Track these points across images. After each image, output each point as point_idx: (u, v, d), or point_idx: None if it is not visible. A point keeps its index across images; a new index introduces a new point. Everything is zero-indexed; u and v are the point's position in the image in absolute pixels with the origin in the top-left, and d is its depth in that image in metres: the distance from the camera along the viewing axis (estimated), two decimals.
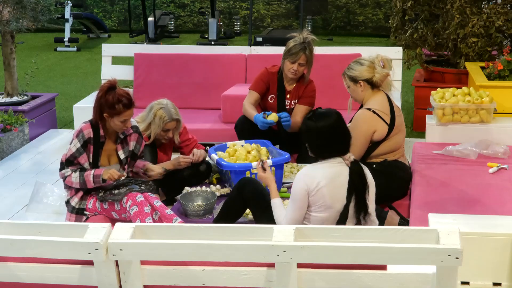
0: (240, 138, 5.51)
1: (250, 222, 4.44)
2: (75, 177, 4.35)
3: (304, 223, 3.77)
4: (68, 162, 4.37)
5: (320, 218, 3.71)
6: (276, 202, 3.94)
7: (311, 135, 3.74)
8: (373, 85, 4.64)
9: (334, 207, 3.69)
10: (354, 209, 3.70)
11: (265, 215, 4.11)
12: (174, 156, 5.25)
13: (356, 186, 3.69)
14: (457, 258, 2.53)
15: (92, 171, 4.35)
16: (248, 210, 4.41)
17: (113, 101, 4.28)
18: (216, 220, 4.42)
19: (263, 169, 4.14)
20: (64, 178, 4.40)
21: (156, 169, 4.73)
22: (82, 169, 4.38)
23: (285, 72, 5.48)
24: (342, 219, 3.70)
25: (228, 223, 4.16)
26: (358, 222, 3.72)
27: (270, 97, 5.56)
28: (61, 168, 4.41)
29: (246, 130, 5.51)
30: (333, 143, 3.71)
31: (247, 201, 4.28)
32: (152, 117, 4.90)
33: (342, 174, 3.70)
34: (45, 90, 8.61)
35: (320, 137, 3.71)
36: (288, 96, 5.55)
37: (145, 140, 4.79)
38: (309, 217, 3.74)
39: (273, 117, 5.26)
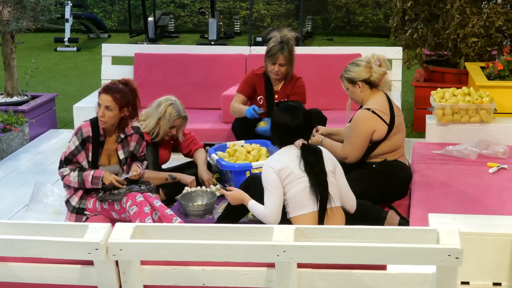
0: (237, 138, 5.52)
1: (250, 222, 4.44)
2: (73, 176, 4.35)
3: (285, 208, 3.88)
4: (67, 160, 4.37)
5: (297, 191, 3.84)
6: (252, 204, 4.03)
7: (275, 125, 4.02)
8: (371, 84, 4.64)
9: (305, 176, 3.86)
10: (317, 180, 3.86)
11: None
12: (173, 155, 5.26)
13: (309, 160, 3.86)
14: (457, 258, 2.53)
15: (92, 172, 4.35)
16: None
17: None
18: (221, 218, 4.43)
19: (227, 191, 4.20)
20: (63, 177, 4.40)
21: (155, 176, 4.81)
22: (81, 169, 4.37)
23: (268, 73, 5.50)
24: (321, 188, 3.84)
25: (232, 221, 4.21)
26: (326, 194, 3.85)
27: (258, 98, 5.58)
28: (60, 167, 4.41)
29: (242, 130, 5.52)
30: (295, 135, 3.96)
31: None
32: (162, 113, 4.91)
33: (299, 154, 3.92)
34: (45, 90, 8.61)
35: (283, 129, 3.97)
36: (276, 96, 5.55)
37: (147, 139, 4.78)
38: (287, 197, 3.87)
39: (262, 124, 5.37)
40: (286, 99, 5.53)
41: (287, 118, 3.96)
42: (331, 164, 3.96)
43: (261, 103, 5.57)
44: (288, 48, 5.42)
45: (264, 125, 5.36)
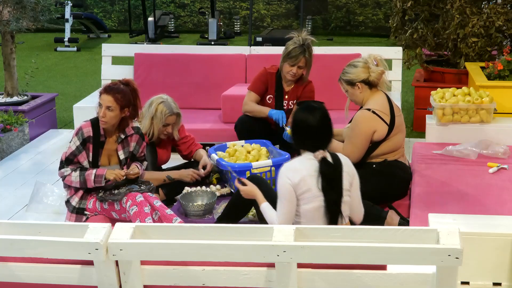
0: (240, 138, 5.52)
1: (250, 222, 4.44)
2: (75, 176, 4.35)
3: (296, 219, 3.75)
4: (68, 160, 4.37)
5: (311, 208, 3.70)
6: (264, 207, 3.93)
7: (296, 124, 3.78)
8: (370, 85, 4.64)
9: (321, 195, 3.69)
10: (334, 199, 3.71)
11: None
12: (173, 155, 5.26)
13: (327, 178, 3.68)
14: (457, 258, 2.53)
15: (94, 171, 4.35)
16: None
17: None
18: (221, 218, 4.43)
19: (243, 184, 4.14)
20: (64, 177, 4.40)
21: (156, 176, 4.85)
22: (83, 169, 4.38)
23: (283, 74, 5.48)
24: (334, 208, 3.71)
25: (232, 221, 4.20)
26: (338, 213, 3.72)
27: (268, 97, 5.57)
28: (61, 167, 4.41)
29: (246, 130, 5.52)
30: (315, 138, 3.74)
31: (253, 200, 4.27)
32: (153, 112, 4.91)
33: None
34: (45, 90, 8.61)
35: (304, 129, 3.73)
36: (286, 96, 5.55)
37: (146, 141, 4.79)
38: (300, 210, 3.72)
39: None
40: (295, 101, 5.53)
41: (308, 118, 3.72)
42: (348, 179, 3.78)
43: (270, 102, 5.57)
44: (309, 52, 5.42)
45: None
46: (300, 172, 3.67)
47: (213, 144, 5.40)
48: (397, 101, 5.91)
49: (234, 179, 4.80)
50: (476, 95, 5.42)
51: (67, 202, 4.51)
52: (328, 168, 3.67)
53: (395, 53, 6.59)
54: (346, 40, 11.81)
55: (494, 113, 5.44)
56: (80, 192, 4.46)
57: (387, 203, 4.54)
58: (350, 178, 3.79)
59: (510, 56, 5.91)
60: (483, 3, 6.91)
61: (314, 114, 3.72)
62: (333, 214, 3.69)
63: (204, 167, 5.06)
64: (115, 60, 7.03)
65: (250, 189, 4.10)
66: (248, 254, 2.64)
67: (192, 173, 4.98)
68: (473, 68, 6.26)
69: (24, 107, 6.68)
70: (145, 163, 4.65)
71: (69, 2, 11.59)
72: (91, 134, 4.37)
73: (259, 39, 10.72)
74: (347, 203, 3.76)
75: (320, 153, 3.69)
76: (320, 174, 3.65)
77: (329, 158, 3.71)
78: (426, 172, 4.80)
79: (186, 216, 4.62)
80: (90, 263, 2.77)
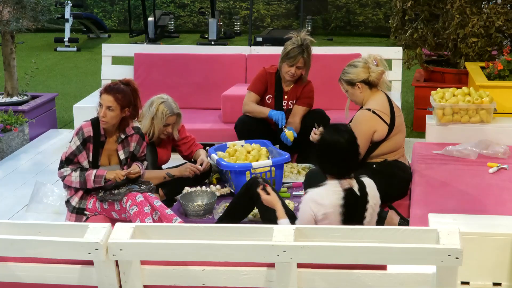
0: (240, 138, 5.52)
1: (250, 222, 4.44)
2: (75, 176, 4.35)
3: None
4: (68, 160, 4.37)
5: None
6: (283, 223, 3.84)
7: (329, 149, 3.61)
8: (370, 85, 4.64)
9: None
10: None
11: (271, 215, 4.10)
12: (173, 155, 5.26)
13: (350, 212, 3.58)
14: (457, 258, 2.53)
15: (94, 171, 4.35)
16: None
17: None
18: (222, 218, 4.42)
19: (267, 192, 4.05)
20: (63, 177, 4.40)
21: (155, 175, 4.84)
22: (83, 169, 4.38)
23: (282, 74, 5.48)
24: None
25: (234, 221, 4.20)
26: None
27: (267, 97, 5.57)
28: (60, 167, 4.41)
29: (246, 130, 5.52)
30: (343, 162, 3.59)
31: (255, 200, 4.27)
32: (154, 112, 4.91)
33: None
34: (45, 90, 8.61)
35: (333, 151, 3.59)
36: (285, 96, 5.55)
37: (146, 141, 4.79)
38: None
39: (290, 135, 5.28)
40: (294, 101, 5.52)
41: (339, 140, 3.55)
42: (371, 212, 3.69)
43: (269, 102, 5.57)
44: (308, 52, 5.41)
45: (291, 137, 5.30)
46: (325, 208, 3.56)
47: (213, 144, 5.39)
48: (397, 101, 5.91)
49: (235, 179, 4.81)
50: (476, 95, 5.42)
51: (67, 202, 4.51)
52: (352, 201, 3.57)
53: (395, 53, 6.59)
54: (346, 40, 11.81)
55: (494, 113, 5.44)
56: (80, 192, 4.46)
57: (387, 203, 4.54)
58: (372, 210, 3.72)
59: (510, 56, 5.91)
60: (483, 3, 6.91)
61: (343, 136, 3.58)
62: None
63: (201, 165, 5.06)
64: (115, 60, 7.03)
65: (272, 200, 4.01)
66: (248, 254, 2.64)
67: (190, 167, 4.98)
68: (473, 68, 6.26)
69: (24, 107, 6.68)
70: (145, 163, 4.65)
71: (69, 2, 11.58)
72: (92, 134, 4.37)
73: (259, 39, 10.72)
74: None
75: (346, 182, 3.58)
76: (344, 207, 3.55)
77: (356, 188, 3.61)
78: (426, 172, 4.79)
79: (186, 216, 4.62)
80: (90, 263, 2.76)
